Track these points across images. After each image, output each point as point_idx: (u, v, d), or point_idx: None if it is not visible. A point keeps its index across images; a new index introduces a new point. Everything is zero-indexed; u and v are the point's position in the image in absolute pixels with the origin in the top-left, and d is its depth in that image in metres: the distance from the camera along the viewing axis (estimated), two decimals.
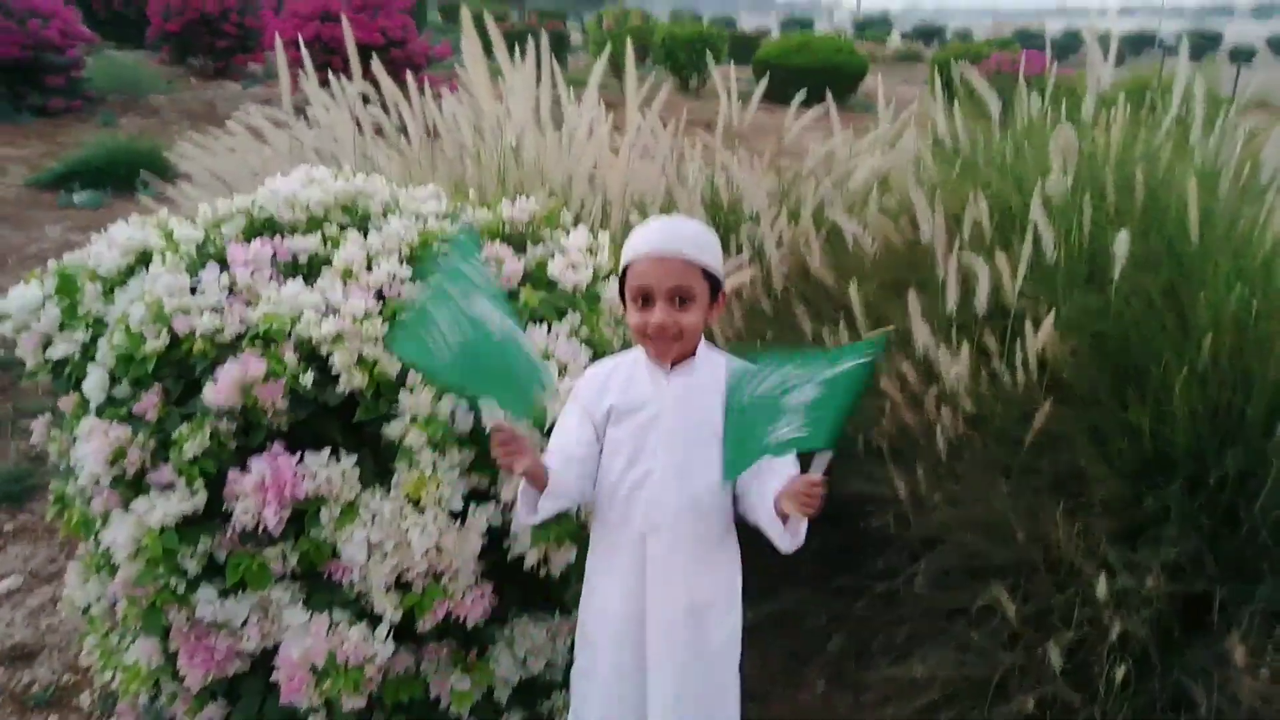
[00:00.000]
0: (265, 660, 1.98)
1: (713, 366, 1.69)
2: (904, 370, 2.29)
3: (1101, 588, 1.83)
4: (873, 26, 45.80)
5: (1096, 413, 2.14)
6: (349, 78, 3.28)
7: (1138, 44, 32.49)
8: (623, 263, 1.64)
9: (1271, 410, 2.01)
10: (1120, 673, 1.81)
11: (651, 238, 1.60)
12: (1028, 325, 2.21)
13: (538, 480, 1.60)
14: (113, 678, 2.34)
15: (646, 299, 1.61)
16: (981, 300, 2.30)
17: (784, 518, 1.58)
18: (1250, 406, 2.04)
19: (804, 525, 1.60)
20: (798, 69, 13.99)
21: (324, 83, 3.22)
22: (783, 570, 2.47)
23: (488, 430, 1.59)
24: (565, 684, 2.17)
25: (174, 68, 14.71)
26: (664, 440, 1.66)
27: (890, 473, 2.18)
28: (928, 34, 41.32)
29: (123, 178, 7.62)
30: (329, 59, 3.14)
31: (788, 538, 1.60)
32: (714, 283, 1.65)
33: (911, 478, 2.17)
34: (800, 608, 2.45)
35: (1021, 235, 2.36)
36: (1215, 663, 1.82)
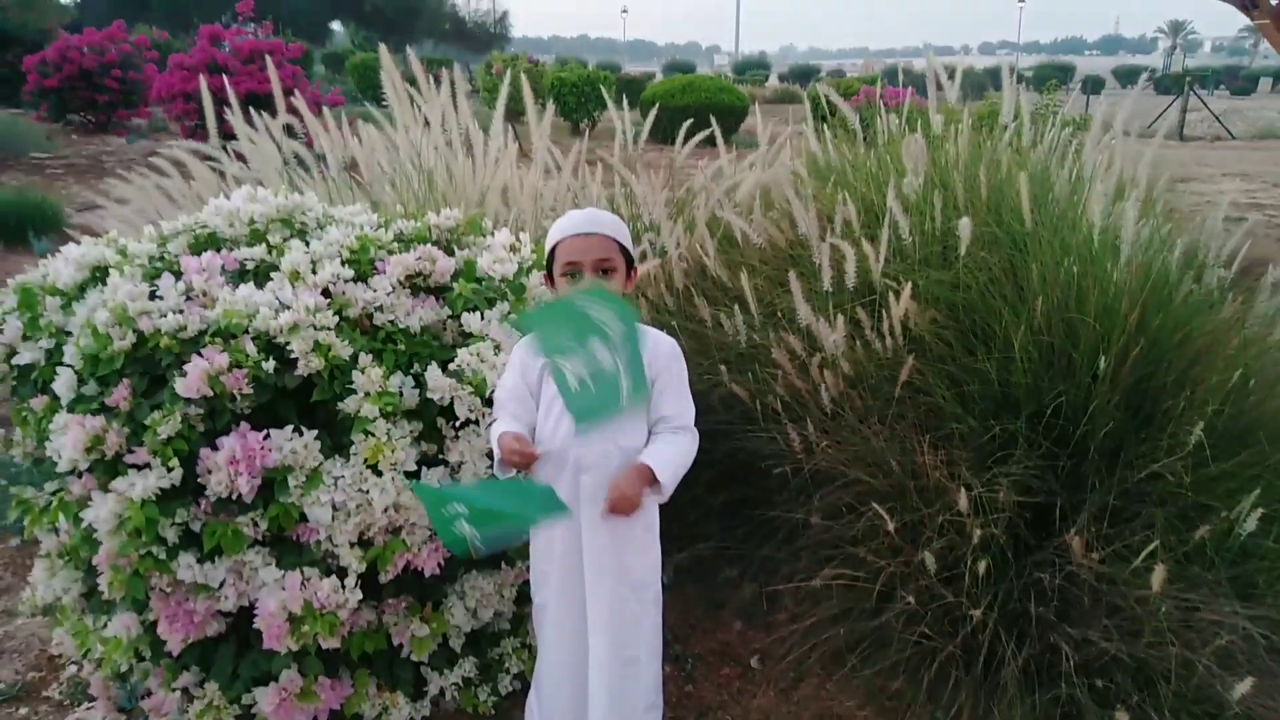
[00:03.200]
0: (238, 625, 2.18)
1: None
2: (791, 343, 2.63)
3: (963, 502, 2.19)
4: (751, 69, 47.61)
5: (952, 365, 2.52)
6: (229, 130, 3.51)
7: (998, 78, 34.60)
8: (550, 244, 1.93)
9: (1093, 353, 2.42)
10: (982, 567, 2.17)
11: (577, 221, 1.91)
12: (891, 299, 2.58)
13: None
14: (80, 669, 2.50)
15: (575, 273, 1.90)
16: (850, 280, 2.67)
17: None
18: (1076, 352, 2.45)
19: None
20: (683, 108, 14.59)
21: (248, 121, 3.44)
22: (696, 523, 2.79)
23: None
24: (513, 632, 2.42)
25: (53, 124, 14.43)
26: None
27: (785, 429, 2.52)
28: (804, 75, 43.17)
29: (13, 229, 7.59)
30: (218, 110, 3.29)
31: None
32: (628, 260, 1.96)
33: (803, 431, 2.51)
34: (713, 556, 2.76)
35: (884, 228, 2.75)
36: (1058, 554, 2.20)
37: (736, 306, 2.84)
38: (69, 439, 2.02)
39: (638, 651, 2.07)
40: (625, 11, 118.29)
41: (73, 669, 2.56)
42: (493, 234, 2.59)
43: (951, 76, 3.59)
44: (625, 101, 4.17)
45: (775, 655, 2.55)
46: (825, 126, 4.04)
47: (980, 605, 2.18)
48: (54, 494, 2.28)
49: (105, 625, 2.20)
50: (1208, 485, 2.24)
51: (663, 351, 1.95)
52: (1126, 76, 50.62)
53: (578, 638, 2.03)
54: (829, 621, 2.42)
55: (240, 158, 3.60)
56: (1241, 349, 2.51)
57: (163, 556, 2.02)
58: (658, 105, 4.77)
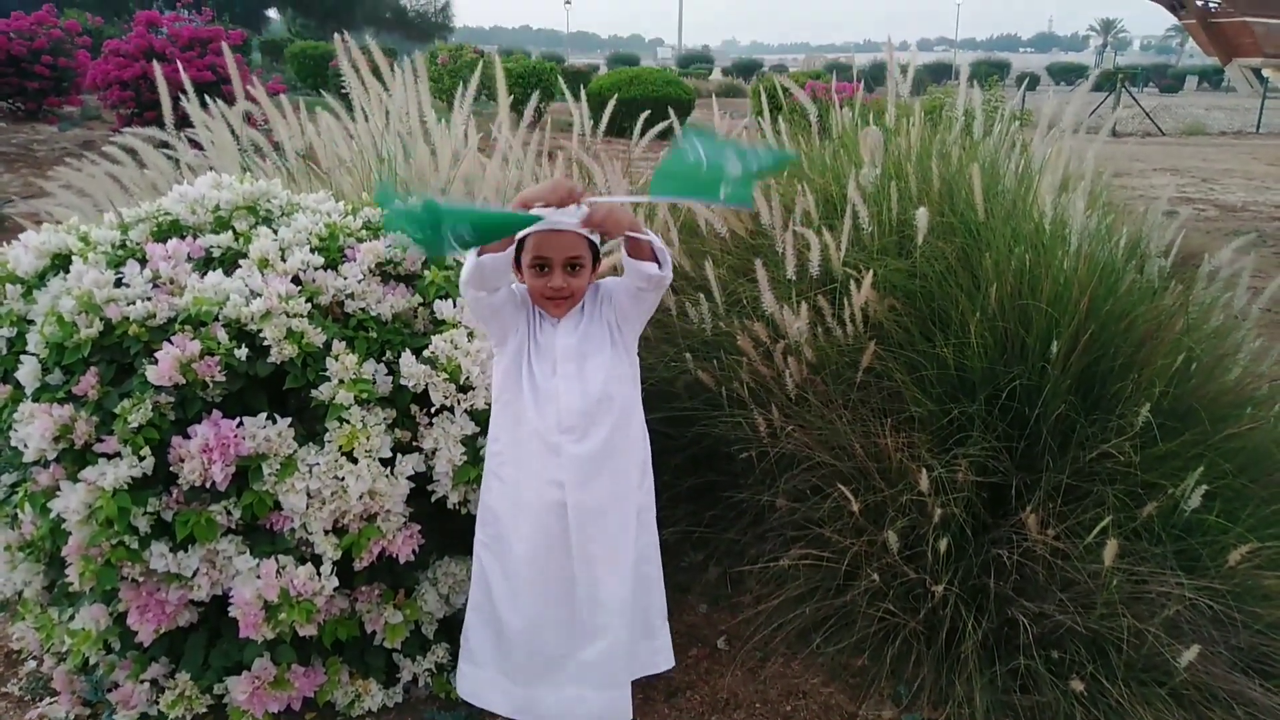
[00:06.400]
0: (208, 615, 2.17)
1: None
2: (755, 330, 2.69)
3: (924, 482, 2.26)
4: (695, 63, 47.82)
5: (910, 351, 2.59)
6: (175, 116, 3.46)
7: (937, 73, 35.20)
8: (518, 236, 1.95)
9: (1045, 338, 2.51)
10: (943, 545, 2.25)
11: (550, 215, 1.92)
12: (852, 287, 2.65)
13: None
14: (40, 663, 2.46)
15: (544, 266, 1.93)
16: (814, 268, 2.73)
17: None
18: (1029, 337, 2.54)
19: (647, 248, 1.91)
20: (630, 101, 14.62)
21: (203, 108, 3.39)
22: (661, 508, 2.83)
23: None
24: None
25: None
26: (561, 366, 1.99)
27: (751, 414, 2.57)
28: (747, 69, 43.47)
29: None
30: (154, 97, 3.18)
31: (650, 265, 1.91)
32: (595, 252, 2.00)
33: (768, 416, 2.56)
34: (678, 541, 2.81)
35: (842, 219, 2.82)
36: (1014, 532, 2.29)
37: (701, 295, 2.89)
38: (37, 428, 1.99)
39: (652, 568, 2.16)
40: (569, 3, 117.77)
41: (32, 664, 2.51)
42: None
43: (904, 71, 3.68)
44: (570, 94, 4.20)
45: (742, 636, 2.60)
46: (779, 118, 4.10)
47: (941, 581, 2.25)
48: (13, 486, 2.25)
49: (72, 617, 2.18)
50: (1154, 464, 2.34)
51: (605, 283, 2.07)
52: (1060, 73, 51.93)
53: (551, 555, 2.05)
54: (794, 602, 2.48)
55: (195, 145, 3.54)
56: (1184, 334, 2.62)
57: (134, 546, 2.00)
58: (616, 97, 4.79)
